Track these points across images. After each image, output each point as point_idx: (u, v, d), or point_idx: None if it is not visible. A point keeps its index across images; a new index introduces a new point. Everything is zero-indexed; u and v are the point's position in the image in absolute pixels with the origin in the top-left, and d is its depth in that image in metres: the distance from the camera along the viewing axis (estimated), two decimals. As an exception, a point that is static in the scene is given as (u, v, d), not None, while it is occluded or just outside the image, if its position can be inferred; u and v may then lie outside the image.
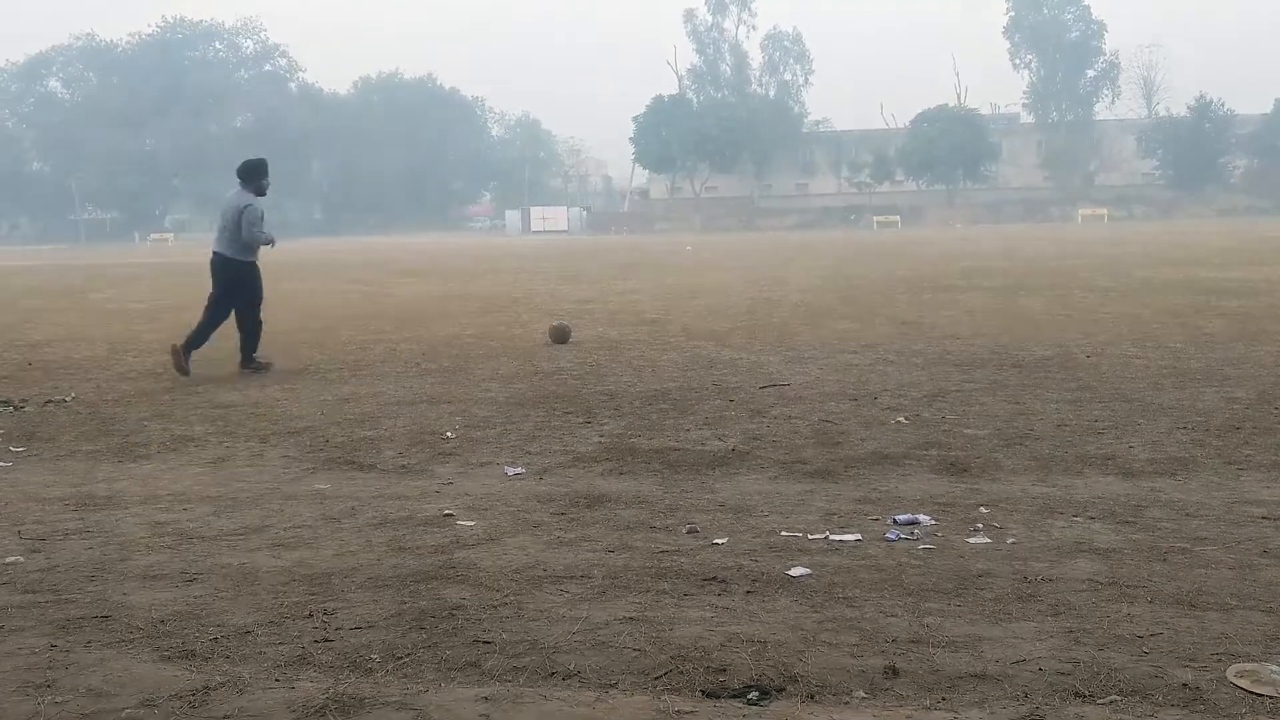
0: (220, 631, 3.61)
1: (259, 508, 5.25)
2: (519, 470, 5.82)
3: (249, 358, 9.90)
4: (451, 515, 4.98)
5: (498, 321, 13.97)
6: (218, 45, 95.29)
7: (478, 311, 15.47)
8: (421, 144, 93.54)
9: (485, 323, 13.83)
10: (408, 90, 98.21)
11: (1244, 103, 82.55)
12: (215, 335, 10.03)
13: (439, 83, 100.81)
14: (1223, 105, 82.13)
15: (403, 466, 6.06)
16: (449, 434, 6.81)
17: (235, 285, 10.01)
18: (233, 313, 10.01)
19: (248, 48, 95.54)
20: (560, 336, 11.35)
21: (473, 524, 4.82)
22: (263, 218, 9.96)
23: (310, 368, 10.00)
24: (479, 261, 33.74)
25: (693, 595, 3.84)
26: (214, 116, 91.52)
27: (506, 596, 3.86)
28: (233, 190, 10.16)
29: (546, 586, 3.97)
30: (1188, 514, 4.70)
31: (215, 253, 10.12)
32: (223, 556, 4.47)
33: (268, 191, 10.21)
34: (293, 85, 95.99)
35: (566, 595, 3.86)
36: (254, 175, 10.07)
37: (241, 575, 4.21)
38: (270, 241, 10.18)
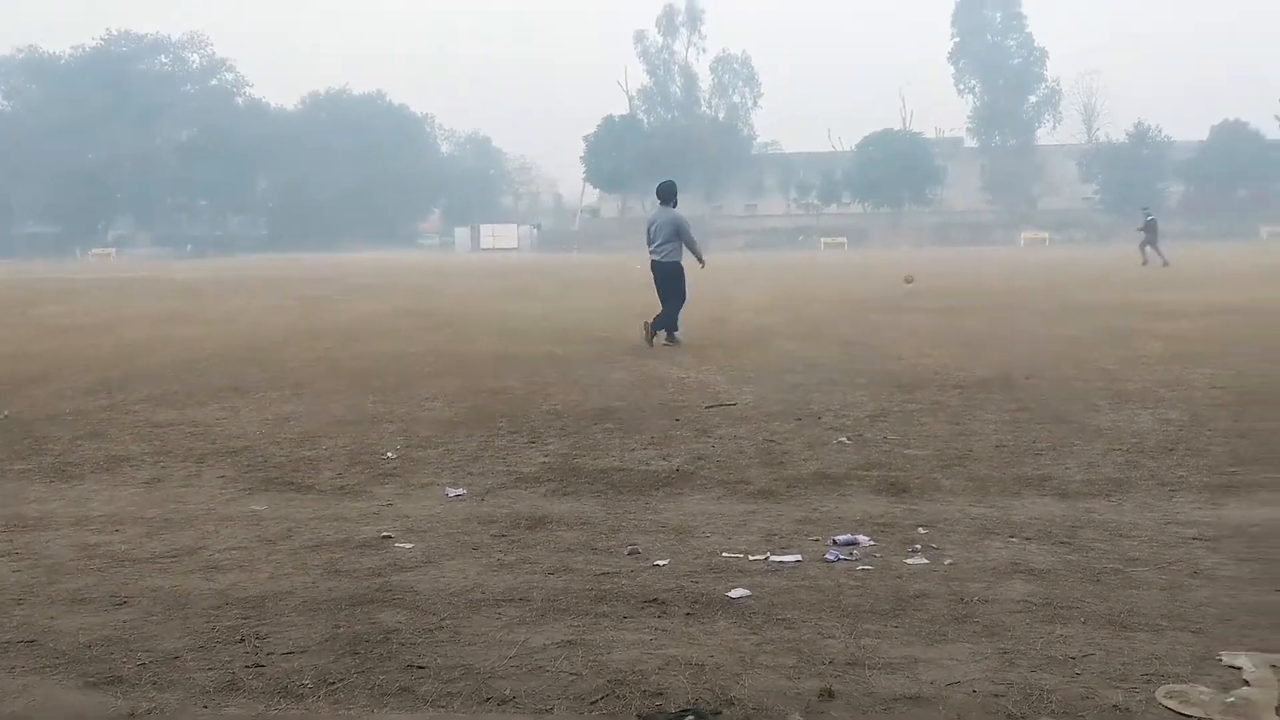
0: (149, 657, 3.54)
1: (193, 529, 5.16)
2: (460, 491, 5.77)
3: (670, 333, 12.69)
4: (390, 537, 4.93)
5: (445, 339, 13.88)
6: (163, 59, 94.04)
7: (424, 328, 15.37)
8: (370, 160, 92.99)
9: (432, 340, 13.74)
10: (356, 106, 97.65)
11: (1181, 130, 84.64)
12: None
13: (388, 99, 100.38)
14: (1160, 132, 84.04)
15: (341, 487, 5.99)
16: (390, 454, 6.74)
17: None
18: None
19: (194, 62, 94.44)
20: None
21: (411, 546, 4.77)
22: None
23: (250, 386, 9.84)
24: (427, 278, 33.55)
25: (632, 618, 3.83)
26: (159, 130, 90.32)
27: (443, 620, 3.82)
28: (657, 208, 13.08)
29: (484, 610, 3.93)
30: (1121, 535, 4.77)
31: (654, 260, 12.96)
32: (154, 580, 4.39)
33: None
34: (239, 100, 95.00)
35: (504, 619, 3.83)
36: (673, 194, 13.14)
37: (172, 599, 4.13)
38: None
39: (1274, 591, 4.00)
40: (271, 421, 8.01)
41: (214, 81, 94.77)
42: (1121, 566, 4.32)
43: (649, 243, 13.12)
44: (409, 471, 6.30)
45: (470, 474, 6.20)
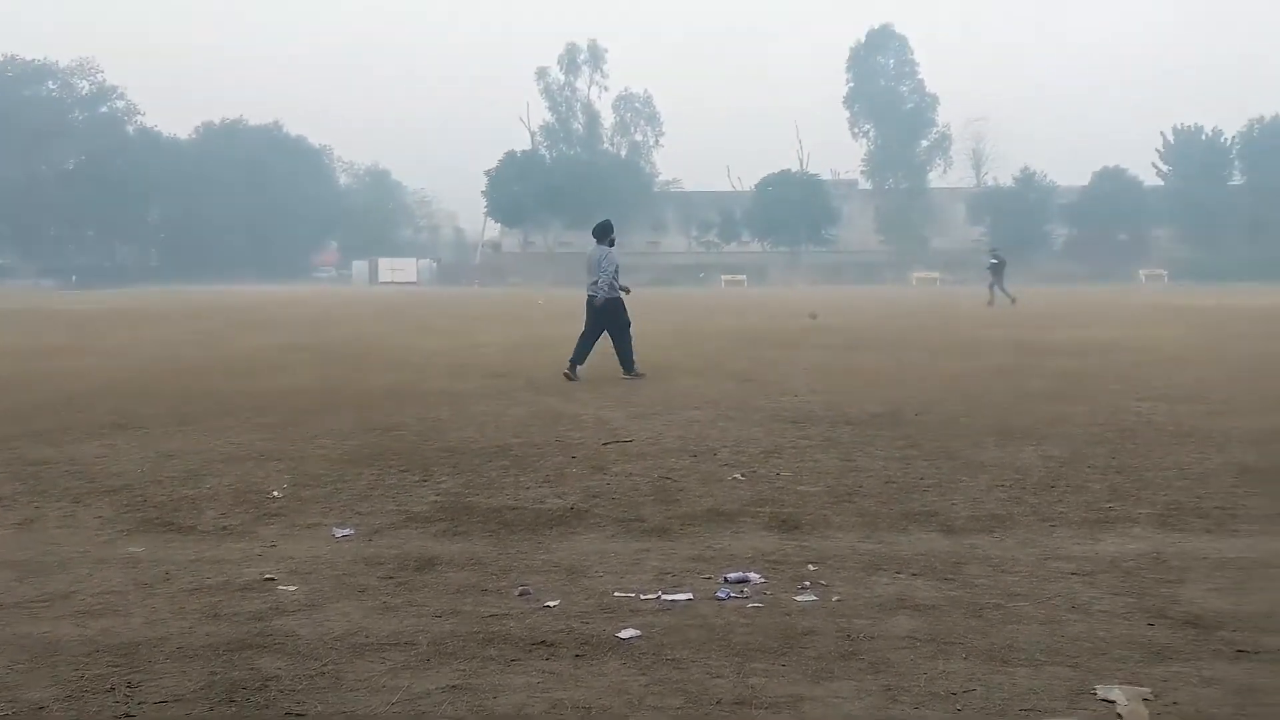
0: (13, 708, 3.38)
1: (66, 573, 4.95)
2: (348, 531, 5.65)
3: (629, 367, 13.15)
4: (272, 580, 4.79)
5: (338, 374, 13.62)
6: (50, 85, 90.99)
7: (317, 363, 15.07)
8: (265, 192, 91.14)
9: (324, 375, 13.48)
10: (252, 137, 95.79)
11: (1064, 176, 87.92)
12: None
13: (285, 130, 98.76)
14: (1045, 177, 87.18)
15: (224, 528, 5.81)
16: (276, 493, 6.57)
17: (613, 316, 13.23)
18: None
19: (83, 88, 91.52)
20: None
21: (294, 589, 4.65)
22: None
23: (133, 422, 9.51)
24: (321, 311, 32.95)
25: (520, 661, 3.78)
26: (44, 158, 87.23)
27: (325, 666, 3.72)
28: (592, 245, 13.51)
29: (367, 655, 3.84)
30: (1003, 570, 4.89)
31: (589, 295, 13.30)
32: (22, 626, 4.20)
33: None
34: (130, 128, 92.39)
35: (388, 664, 3.75)
36: (607, 232, 13.80)
37: (41, 646, 3.96)
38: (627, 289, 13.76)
39: (1146, 625, 4.13)
40: (154, 459, 7.74)
41: (104, 109, 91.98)
42: (1003, 601, 4.42)
43: (591, 269, 13.57)
44: (295, 511, 6.14)
45: (359, 513, 6.07)
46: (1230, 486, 6.61)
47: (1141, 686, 3.49)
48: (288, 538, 5.57)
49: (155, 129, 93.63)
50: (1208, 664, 3.71)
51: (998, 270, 35.24)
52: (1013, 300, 33.47)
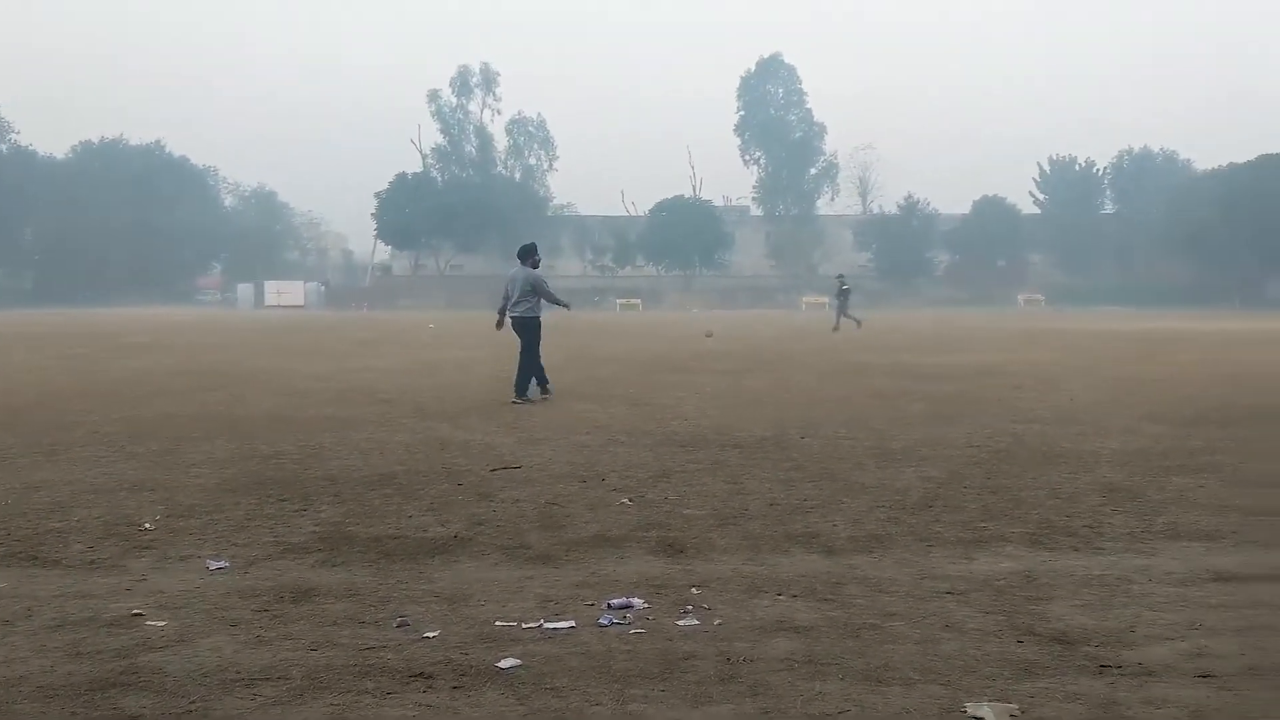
0: None
1: (-83, 611, 4.69)
2: (222, 563, 5.48)
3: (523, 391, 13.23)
4: (141, 615, 4.62)
5: (218, 400, 13.24)
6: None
7: (197, 389, 14.62)
8: (146, 213, 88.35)
9: (204, 402, 13.08)
10: (133, 157, 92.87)
11: (946, 204, 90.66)
12: None
13: (167, 151, 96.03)
14: (928, 205, 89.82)
15: (92, 561, 5.58)
16: (148, 524, 6.34)
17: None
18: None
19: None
20: None
21: (164, 624, 4.48)
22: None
23: (-4, 452, 9.09)
24: (203, 336, 32.03)
25: (396, 693, 3.71)
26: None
27: (192, 703, 3.60)
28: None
29: (238, 690, 3.73)
30: (880, 590, 4.98)
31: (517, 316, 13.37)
32: None
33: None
34: (3, 147, 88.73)
35: (259, 699, 3.64)
36: (532, 253, 13.97)
37: (-117, 692, 3.73)
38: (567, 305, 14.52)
39: (1016, 642, 4.25)
40: (19, 490, 7.41)
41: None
42: (879, 621, 4.50)
43: (506, 300, 13.62)
44: (168, 543, 5.93)
45: (235, 544, 5.89)
46: (1097, 505, 6.86)
47: (1009, 703, 3.58)
48: (159, 571, 5.38)
49: (30, 147, 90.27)
50: (1072, 679, 3.83)
51: (844, 297, 36.59)
52: (858, 324, 34.91)
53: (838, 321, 35.37)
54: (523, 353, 13.41)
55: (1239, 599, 4.81)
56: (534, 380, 13.41)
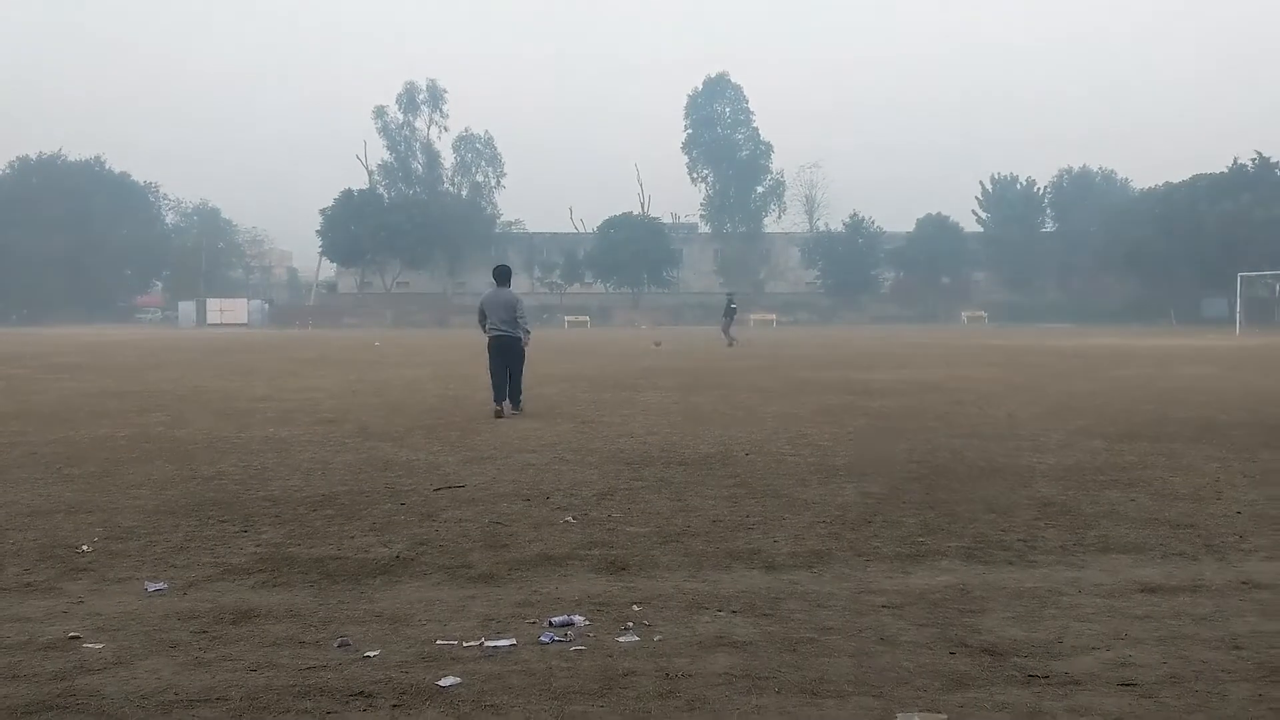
0: None
1: None
2: (161, 586, 5.43)
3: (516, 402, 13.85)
4: (78, 638, 4.57)
5: (157, 421, 13.07)
6: None
7: (136, 410, 14.42)
8: (84, 229, 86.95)
9: (143, 423, 12.91)
10: (71, 173, 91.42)
11: (891, 222, 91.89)
12: None
13: (107, 166, 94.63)
14: (873, 223, 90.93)
15: (28, 585, 5.51)
16: (85, 547, 6.26)
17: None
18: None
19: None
20: None
21: (101, 647, 4.44)
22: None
23: (-72, 475, 8.92)
24: (145, 355, 31.55)
25: (336, 713, 3.71)
26: None
27: (128, 727, 3.57)
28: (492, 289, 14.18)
29: (176, 712, 3.71)
30: (819, 605, 5.06)
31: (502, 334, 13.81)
32: None
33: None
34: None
35: (197, 721, 3.63)
36: (508, 276, 14.40)
37: None
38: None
39: (948, 654, 4.35)
40: (-51, 515, 7.28)
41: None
42: (817, 635, 4.58)
43: (483, 319, 14.05)
44: (105, 566, 5.87)
45: (174, 566, 5.84)
46: (1032, 519, 7.01)
47: (939, 713, 3.67)
48: (96, 593, 5.32)
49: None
50: (1001, 689, 3.93)
51: (730, 314, 37.97)
52: (730, 344, 35.81)
53: (731, 338, 36.51)
54: (507, 369, 13.87)
55: (1163, 610, 4.95)
56: (502, 393, 13.88)
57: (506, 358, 13.88)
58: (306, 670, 4.15)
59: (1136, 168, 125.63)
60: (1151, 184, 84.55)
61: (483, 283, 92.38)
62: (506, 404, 13.80)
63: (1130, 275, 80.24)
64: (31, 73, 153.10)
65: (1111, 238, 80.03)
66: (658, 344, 28.36)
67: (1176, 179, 78.90)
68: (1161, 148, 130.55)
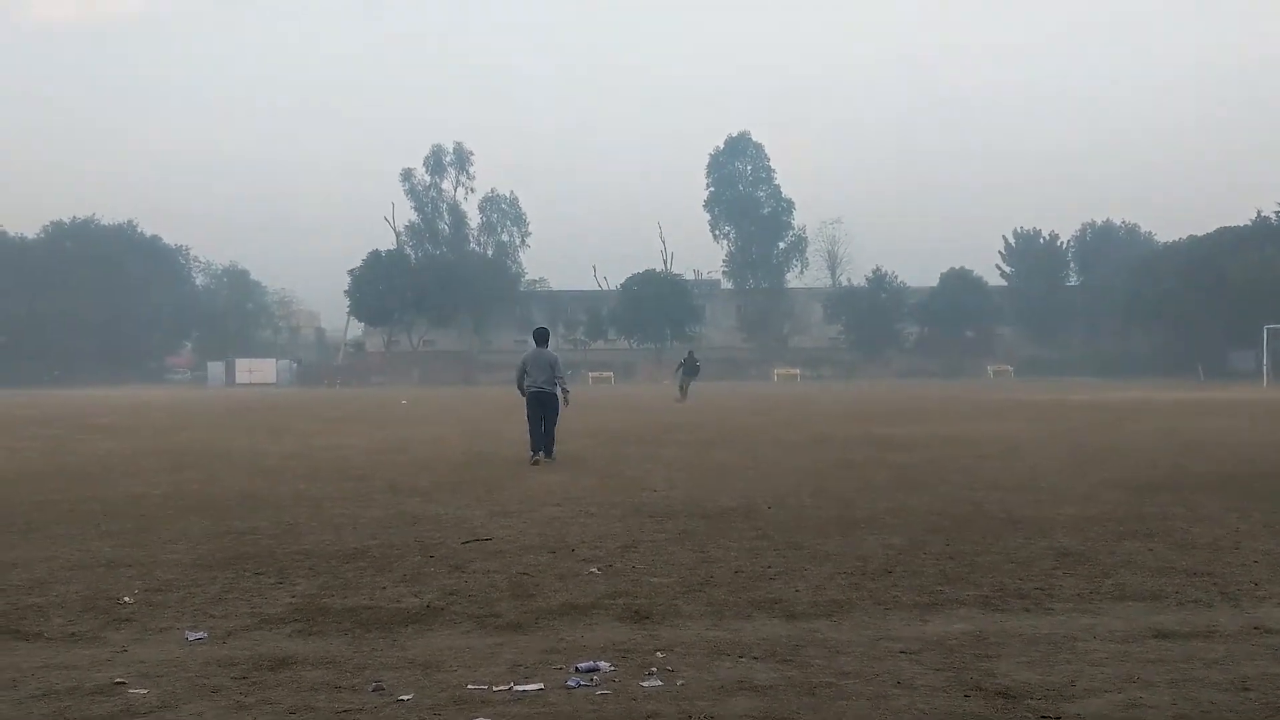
0: None
1: (-100, 686, 4.82)
2: (201, 635, 5.63)
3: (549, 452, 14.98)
4: (123, 684, 4.76)
5: (190, 479, 13.34)
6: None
7: (169, 468, 14.71)
8: (117, 292, 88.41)
9: (176, 480, 13.18)
10: (104, 236, 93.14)
11: (914, 277, 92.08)
12: None
13: (140, 230, 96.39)
14: (896, 278, 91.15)
15: (73, 634, 5.71)
16: (127, 599, 6.48)
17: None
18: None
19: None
20: None
21: (145, 692, 4.63)
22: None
23: (-29, 531, 9.18)
24: (176, 415, 32.00)
25: (372, 752, 3.88)
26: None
27: (176, 765, 3.75)
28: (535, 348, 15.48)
29: (220, 752, 3.88)
30: (838, 651, 5.20)
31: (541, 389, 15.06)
32: None
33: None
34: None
35: (240, 760, 3.80)
36: (547, 337, 15.85)
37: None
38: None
39: (963, 697, 4.47)
40: (-6, 569, 7.52)
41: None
42: (835, 680, 4.71)
43: (523, 376, 15.31)
44: (147, 616, 6.08)
45: (212, 616, 6.04)
46: (1050, 569, 7.12)
47: (952, 751, 3.80)
48: (139, 642, 5.52)
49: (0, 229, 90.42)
50: (1013, 729, 4.06)
51: (693, 371, 37.70)
52: (680, 399, 35.90)
53: (684, 395, 36.45)
54: (546, 421, 15.04)
55: (1175, 654, 5.06)
56: (536, 444, 14.98)
57: (544, 410, 14.99)
58: (343, 713, 4.32)
59: (1159, 221, 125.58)
60: (1175, 237, 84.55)
61: (507, 340, 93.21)
62: (541, 454, 14.77)
63: (1156, 329, 79.89)
64: (65, 137, 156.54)
65: (1136, 291, 79.82)
66: (680, 399, 28.84)
67: (1200, 232, 78.85)
68: (1184, 201, 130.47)
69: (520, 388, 15.38)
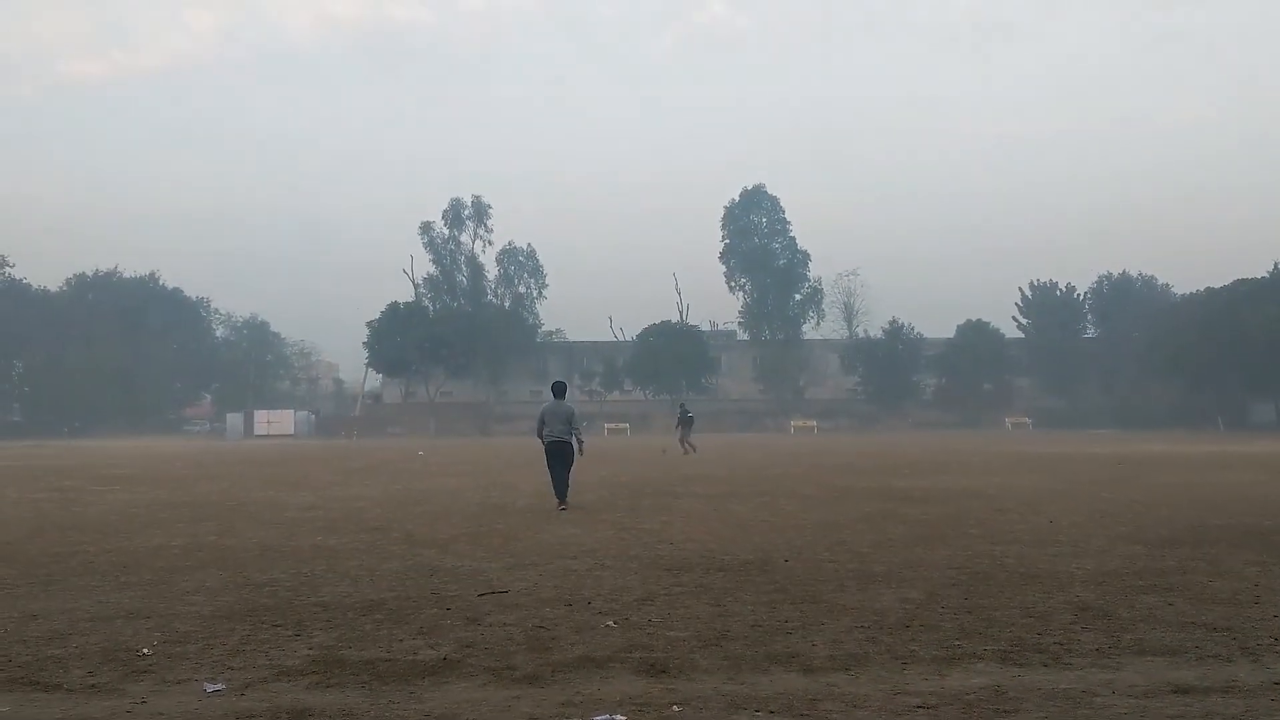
0: None
1: (-79, 737, 4.86)
2: (219, 687, 5.66)
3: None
4: (141, 736, 4.79)
5: (209, 531, 13.40)
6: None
7: (187, 520, 14.78)
8: (137, 343, 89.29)
9: (195, 532, 13.24)
10: (127, 288, 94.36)
11: (931, 328, 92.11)
12: None
13: (161, 282, 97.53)
14: (913, 330, 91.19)
15: (93, 686, 5.75)
16: (145, 650, 6.52)
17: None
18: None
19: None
20: None
21: (164, 744, 4.66)
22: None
23: (-8, 582, 9.25)
24: (194, 466, 32.13)
25: (389, 805, 3.88)
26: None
27: (194, 817, 3.77)
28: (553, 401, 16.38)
29: (238, 804, 3.90)
30: (855, 705, 5.19)
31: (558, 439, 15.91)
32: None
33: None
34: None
35: (258, 812, 3.82)
36: (565, 390, 16.83)
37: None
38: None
39: (981, 751, 4.45)
40: (17, 620, 7.57)
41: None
42: (852, 734, 4.70)
43: (542, 426, 16.16)
44: (165, 668, 6.11)
45: (231, 668, 6.07)
46: (1069, 623, 7.08)
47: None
48: (158, 694, 5.55)
49: (24, 281, 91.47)
50: (1032, 785, 4.03)
51: (688, 424, 37.27)
52: (685, 451, 35.49)
53: (686, 447, 36.05)
54: (564, 469, 15.99)
55: (1195, 710, 5.03)
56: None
57: (562, 458, 15.89)
58: (360, 765, 4.34)
59: (1176, 273, 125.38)
60: (1192, 289, 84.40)
61: (523, 391, 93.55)
62: (561, 498, 15.79)
63: (1175, 381, 79.49)
64: (89, 193, 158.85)
65: (1154, 343, 79.60)
66: (664, 451, 28.76)
67: (1217, 284, 78.71)
68: (1201, 254, 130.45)
69: (540, 437, 16.15)
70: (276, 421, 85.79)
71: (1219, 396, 75.55)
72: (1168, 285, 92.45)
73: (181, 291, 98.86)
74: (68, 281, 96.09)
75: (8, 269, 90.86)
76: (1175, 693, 5.35)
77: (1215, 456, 31.01)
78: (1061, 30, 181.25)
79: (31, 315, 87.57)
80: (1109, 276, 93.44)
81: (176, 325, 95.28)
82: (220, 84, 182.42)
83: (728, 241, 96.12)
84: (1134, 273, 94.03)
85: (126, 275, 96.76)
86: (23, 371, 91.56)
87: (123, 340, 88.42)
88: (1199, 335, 73.49)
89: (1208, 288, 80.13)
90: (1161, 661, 6.02)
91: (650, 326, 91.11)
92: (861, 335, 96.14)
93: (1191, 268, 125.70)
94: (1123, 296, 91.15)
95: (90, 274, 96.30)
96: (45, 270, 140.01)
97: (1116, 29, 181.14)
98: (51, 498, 19.63)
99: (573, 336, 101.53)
